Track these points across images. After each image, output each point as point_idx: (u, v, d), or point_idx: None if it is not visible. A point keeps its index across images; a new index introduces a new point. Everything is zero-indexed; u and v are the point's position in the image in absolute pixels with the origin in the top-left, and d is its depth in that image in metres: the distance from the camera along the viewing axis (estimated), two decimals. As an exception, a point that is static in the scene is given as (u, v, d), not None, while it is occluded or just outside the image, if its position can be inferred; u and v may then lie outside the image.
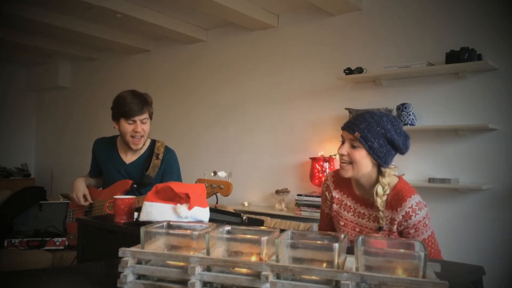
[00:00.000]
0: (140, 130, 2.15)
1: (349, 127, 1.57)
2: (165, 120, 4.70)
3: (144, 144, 2.27)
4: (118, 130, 2.20)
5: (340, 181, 1.74)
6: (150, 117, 2.22)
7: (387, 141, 1.55)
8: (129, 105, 2.11)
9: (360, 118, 1.57)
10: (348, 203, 1.71)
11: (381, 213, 1.57)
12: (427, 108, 3.15)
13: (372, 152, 1.54)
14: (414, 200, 1.56)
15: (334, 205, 1.75)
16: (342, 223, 1.70)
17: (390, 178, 1.59)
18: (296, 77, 3.85)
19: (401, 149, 1.57)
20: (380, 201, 1.57)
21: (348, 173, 1.59)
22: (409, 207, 1.55)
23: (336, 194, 1.74)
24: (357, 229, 1.66)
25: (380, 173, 1.58)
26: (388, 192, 1.58)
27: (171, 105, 4.74)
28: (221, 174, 1.78)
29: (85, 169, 2.46)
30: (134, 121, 2.13)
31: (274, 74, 4.00)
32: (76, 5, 3.60)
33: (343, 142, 1.60)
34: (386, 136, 1.54)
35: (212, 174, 1.79)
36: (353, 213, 1.69)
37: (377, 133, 1.53)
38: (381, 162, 1.55)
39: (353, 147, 1.56)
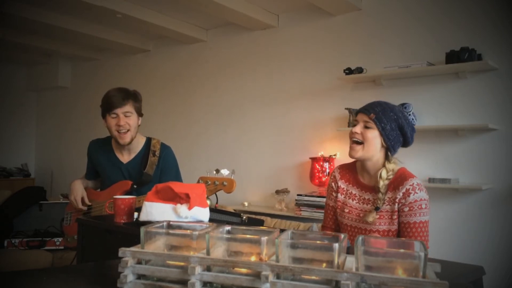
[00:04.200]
0: (124, 124, 2.12)
1: (365, 109, 1.70)
2: (165, 120, 4.70)
3: (139, 143, 2.26)
4: (107, 127, 2.20)
5: (346, 172, 1.85)
6: (138, 112, 2.19)
7: (398, 126, 1.67)
8: (110, 98, 2.12)
9: (375, 103, 1.72)
10: (353, 192, 1.80)
11: (380, 195, 1.68)
12: (427, 108, 3.15)
13: (384, 134, 1.66)
14: (415, 181, 1.67)
15: (339, 195, 1.83)
16: (347, 210, 1.79)
17: (395, 165, 1.72)
18: (296, 77, 3.85)
19: (408, 138, 1.70)
20: (382, 183, 1.68)
21: (358, 153, 1.69)
22: (410, 185, 1.65)
23: (341, 184, 1.83)
24: (361, 215, 1.74)
25: (386, 158, 1.71)
26: (391, 177, 1.70)
27: (171, 105, 4.74)
28: (224, 171, 1.79)
29: (85, 169, 2.46)
30: (117, 115, 2.12)
31: (274, 74, 3.99)
32: (76, 5, 3.60)
33: (355, 125, 1.72)
34: (398, 122, 1.67)
35: (215, 172, 1.80)
36: (358, 201, 1.78)
37: (390, 117, 1.66)
38: (390, 146, 1.68)
39: (366, 127, 1.68)
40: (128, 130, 2.14)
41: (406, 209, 1.65)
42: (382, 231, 1.69)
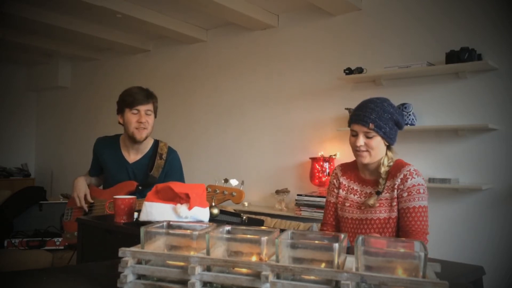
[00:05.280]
0: (144, 121, 2.17)
1: (362, 120, 1.71)
2: (165, 120, 4.69)
3: (147, 144, 2.28)
4: (122, 124, 2.22)
5: (348, 170, 1.91)
6: (155, 112, 2.25)
7: (394, 123, 1.74)
8: (134, 95, 2.17)
9: (367, 109, 1.72)
10: (355, 187, 1.85)
11: (381, 180, 1.76)
12: (427, 108, 3.15)
13: (386, 137, 1.72)
14: (412, 167, 1.75)
15: (341, 191, 1.88)
16: (348, 204, 1.83)
17: (394, 154, 1.80)
18: (296, 77, 3.85)
19: (402, 125, 1.78)
20: (383, 170, 1.76)
21: (367, 159, 1.75)
22: (407, 171, 1.73)
23: (343, 180, 1.89)
24: (362, 207, 1.78)
25: (388, 148, 1.79)
26: (391, 164, 1.77)
27: (171, 105, 4.73)
28: (233, 182, 1.78)
29: (85, 169, 2.46)
30: (138, 111, 2.16)
31: (274, 74, 3.99)
32: (76, 5, 3.60)
33: (354, 135, 1.75)
34: (393, 119, 1.73)
35: (223, 181, 1.79)
36: (359, 195, 1.83)
37: (385, 118, 1.71)
38: (391, 142, 1.76)
39: (368, 137, 1.71)
40: (145, 128, 2.19)
41: (405, 194, 1.70)
42: (382, 219, 1.73)
